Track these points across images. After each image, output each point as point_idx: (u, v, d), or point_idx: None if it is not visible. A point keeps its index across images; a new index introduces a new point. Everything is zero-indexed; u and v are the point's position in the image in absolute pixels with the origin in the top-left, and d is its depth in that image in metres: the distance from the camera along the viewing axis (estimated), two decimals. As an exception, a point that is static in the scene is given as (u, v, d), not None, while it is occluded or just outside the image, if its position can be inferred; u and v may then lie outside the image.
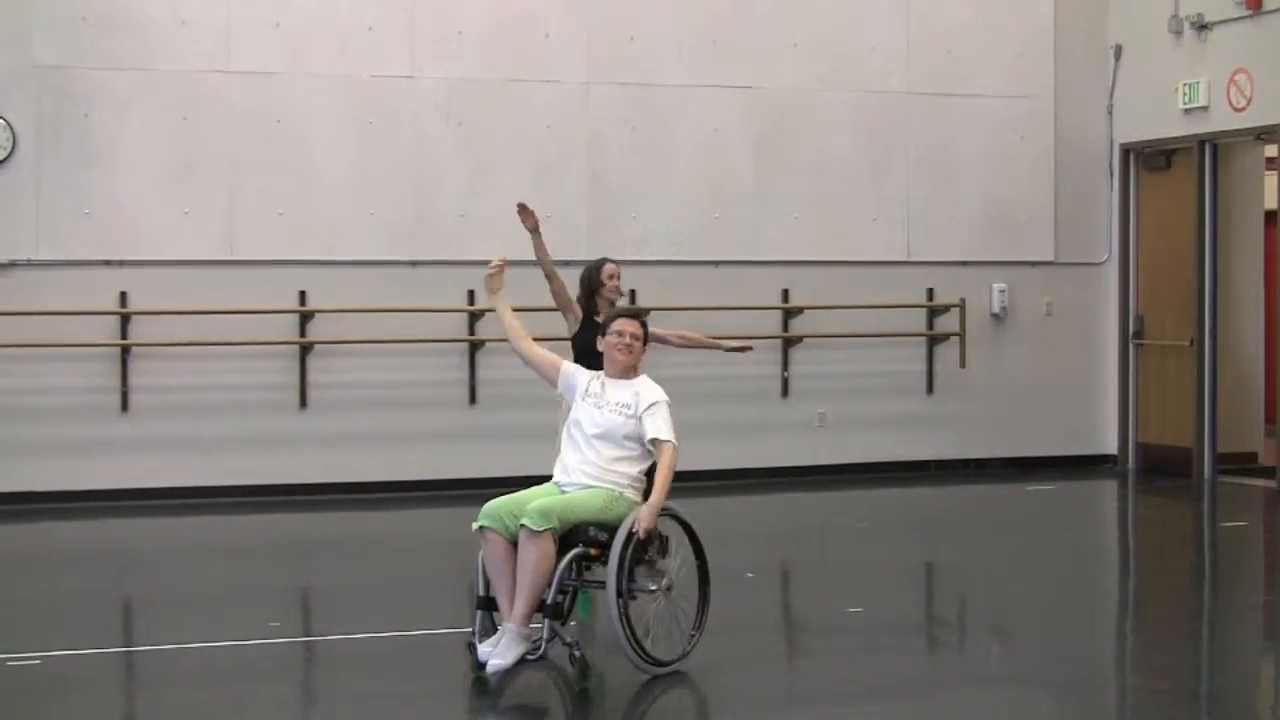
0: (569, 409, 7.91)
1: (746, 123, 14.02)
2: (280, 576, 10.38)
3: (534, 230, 9.66)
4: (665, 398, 7.70)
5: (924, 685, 7.60)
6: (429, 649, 7.67)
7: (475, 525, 7.37)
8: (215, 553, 11.12)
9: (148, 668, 8.01)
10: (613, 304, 9.75)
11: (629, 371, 7.77)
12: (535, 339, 8.00)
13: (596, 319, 9.45)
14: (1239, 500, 13.34)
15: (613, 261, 9.74)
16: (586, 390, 7.74)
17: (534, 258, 9.53)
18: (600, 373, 7.82)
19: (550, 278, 9.65)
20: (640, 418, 7.58)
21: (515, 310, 7.98)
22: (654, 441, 7.57)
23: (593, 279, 9.63)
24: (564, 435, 7.74)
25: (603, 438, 7.58)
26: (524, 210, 9.63)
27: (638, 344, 7.77)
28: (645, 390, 7.71)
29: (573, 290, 9.61)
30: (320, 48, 13.15)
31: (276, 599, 9.55)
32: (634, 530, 7.33)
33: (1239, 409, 14.48)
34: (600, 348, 7.85)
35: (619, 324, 7.82)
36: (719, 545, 10.77)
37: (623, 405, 7.63)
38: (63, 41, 12.65)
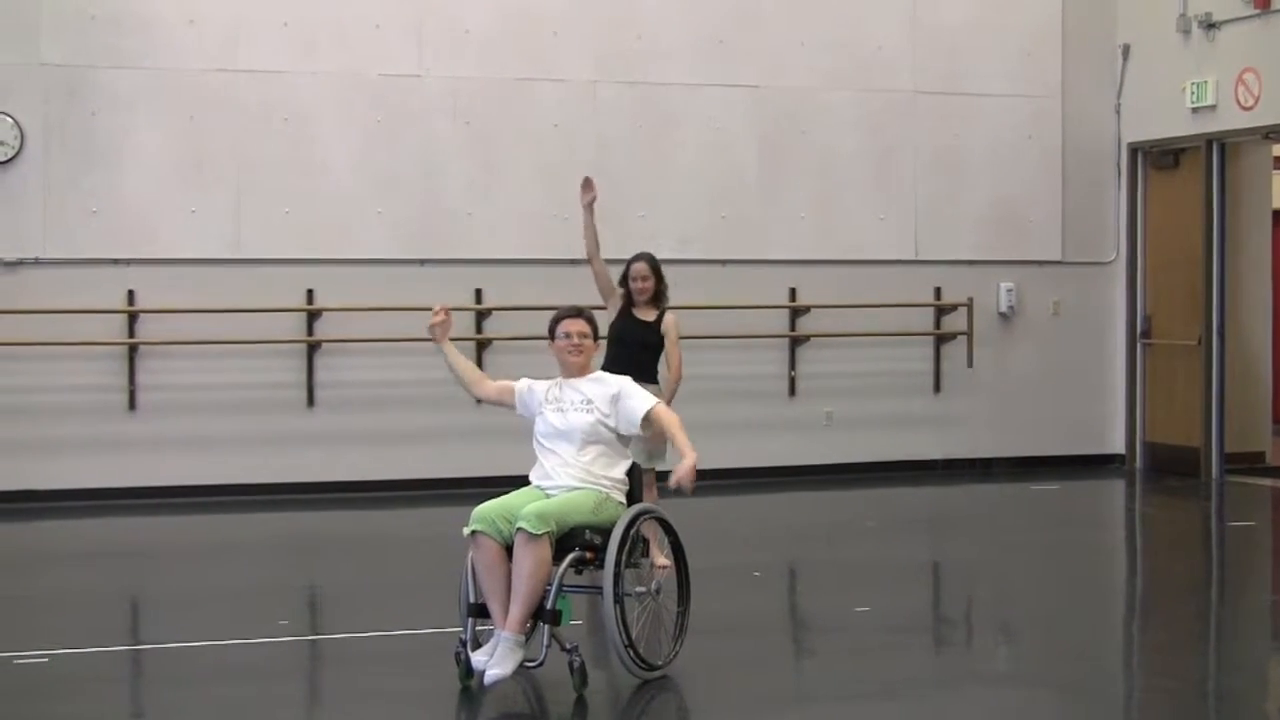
0: None
1: (753, 122, 14.01)
2: (288, 575, 10.39)
3: (588, 206, 9.74)
4: (626, 379, 7.68)
5: (931, 685, 7.59)
6: (438, 647, 7.66)
7: (467, 530, 7.20)
8: (223, 551, 11.13)
9: (155, 666, 8.00)
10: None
11: (583, 370, 7.67)
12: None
13: (633, 311, 9.61)
14: (1247, 500, 13.32)
15: (644, 261, 9.78)
16: (545, 400, 7.60)
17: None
18: (556, 380, 7.69)
19: (591, 259, 9.71)
20: (615, 408, 7.48)
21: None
22: (645, 418, 7.48)
23: (627, 273, 9.77)
24: (535, 445, 7.59)
25: (569, 438, 7.45)
26: (588, 184, 9.74)
27: (587, 342, 7.67)
28: (605, 381, 7.64)
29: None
30: (328, 46, 13.16)
31: (285, 597, 9.55)
32: (677, 487, 7.26)
33: (1247, 409, 14.47)
34: (551, 350, 7.72)
35: (565, 325, 7.67)
36: (726, 544, 10.87)
37: (585, 401, 7.51)
38: (70, 40, 12.66)
